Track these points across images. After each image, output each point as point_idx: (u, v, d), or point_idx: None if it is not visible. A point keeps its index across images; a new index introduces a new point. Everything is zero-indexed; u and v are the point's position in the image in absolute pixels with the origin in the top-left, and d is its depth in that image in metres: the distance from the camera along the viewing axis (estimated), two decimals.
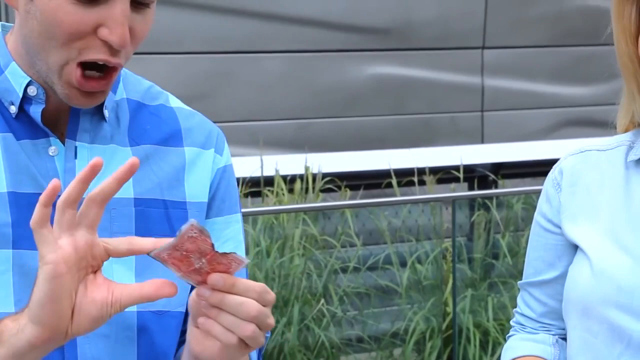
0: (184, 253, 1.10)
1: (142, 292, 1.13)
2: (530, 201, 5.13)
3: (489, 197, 5.07)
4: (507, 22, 6.94)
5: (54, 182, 1.09)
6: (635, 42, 1.47)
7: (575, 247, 1.57)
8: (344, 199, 5.24)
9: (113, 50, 1.24)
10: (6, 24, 1.38)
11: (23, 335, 1.12)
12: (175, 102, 1.47)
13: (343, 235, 4.88)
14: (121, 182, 1.12)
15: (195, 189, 1.41)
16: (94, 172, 1.11)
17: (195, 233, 1.08)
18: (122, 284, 1.15)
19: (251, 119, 6.46)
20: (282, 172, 5.18)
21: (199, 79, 6.37)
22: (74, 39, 1.23)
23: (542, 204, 1.63)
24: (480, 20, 6.87)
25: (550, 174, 1.63)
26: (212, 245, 1.09)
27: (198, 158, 1.43)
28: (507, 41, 6.96)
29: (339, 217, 5.02)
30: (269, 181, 5.21)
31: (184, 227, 1.08)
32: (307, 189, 5.15)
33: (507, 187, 5.45)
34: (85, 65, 1.26)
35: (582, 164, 1.59)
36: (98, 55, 1.24)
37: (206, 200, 1.42)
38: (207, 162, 1.43)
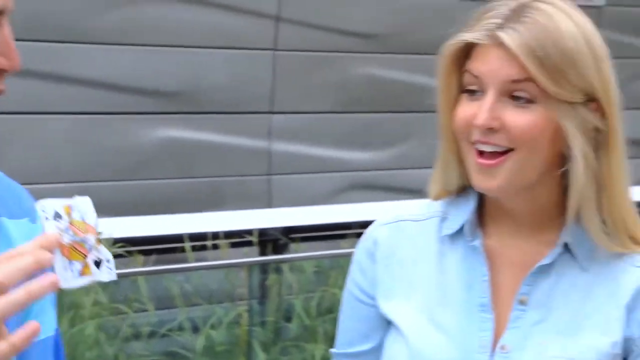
0: None
1: None
2: (322, 264, 5.24)
3: (283, 261, 5.14)
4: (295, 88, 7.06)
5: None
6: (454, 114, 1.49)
7: (389, 321, 1.55)
8: (136, 265, 5.13)
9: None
10: None
11: None
12: None
13: (135, 303, 4.79)
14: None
15: None
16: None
17: None
18: None
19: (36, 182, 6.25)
20: None
21: None
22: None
23: (355, 273, 1.59)
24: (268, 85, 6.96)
25: (362, 243, 1.59)
26: None
27: None
28: (295, 107, 7.08)
29: (129, 283, 4.92)
30: None
31: None
32: None
33: (300, 251, 5.53)
34: None
35: (397, 237, 1.57)
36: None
37: None
38: None
